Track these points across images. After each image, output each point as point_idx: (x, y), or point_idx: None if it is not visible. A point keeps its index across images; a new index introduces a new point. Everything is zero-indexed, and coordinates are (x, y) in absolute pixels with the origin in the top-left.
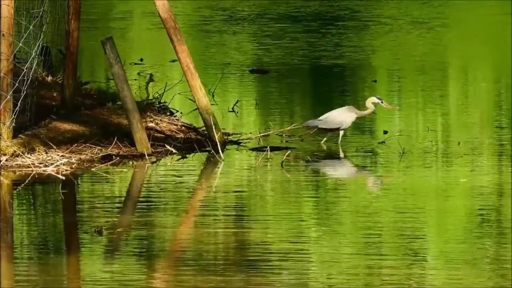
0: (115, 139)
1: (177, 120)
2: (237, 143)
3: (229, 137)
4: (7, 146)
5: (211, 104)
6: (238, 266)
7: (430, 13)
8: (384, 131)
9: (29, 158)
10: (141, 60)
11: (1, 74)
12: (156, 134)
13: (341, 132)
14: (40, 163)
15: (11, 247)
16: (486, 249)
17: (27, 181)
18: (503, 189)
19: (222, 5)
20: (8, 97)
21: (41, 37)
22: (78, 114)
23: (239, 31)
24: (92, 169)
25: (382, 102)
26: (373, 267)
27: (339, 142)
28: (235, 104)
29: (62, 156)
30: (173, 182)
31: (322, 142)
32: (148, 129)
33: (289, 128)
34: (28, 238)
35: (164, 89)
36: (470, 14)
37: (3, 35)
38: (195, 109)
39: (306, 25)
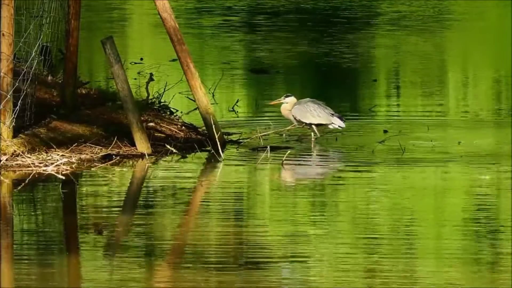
0: (115, 138)
1: (177, 119)
2: (237, 143)
3: (229, 137)
4: (7, 145)
5: (211, 104)
6: (238, 266)
7: (430, 11)
8: (384, 130)
9: (29, 157)
10: (141, 59)
11: (1, 73)
12: (156, 134)
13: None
14: (40, 163)
15: (11, 247)
16: (485, 248)
17: (27, 181)
18: (502, 188)
19: (222, 4)
20: (8, 96)
21: (41, 36)
22: (78, 114)
23: (239, 30)
24: (92, 169)
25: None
26: (372, 266)
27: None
28: (235, 104)
29: (62, 155)
30: (173, 182)
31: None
32: (148, 129)
33: (289, 127)
34: (28, 238)
35: (164, 89)
36: (471, 10)
37: (3, 34)
38: (195, 109)
39: (306, 24)
